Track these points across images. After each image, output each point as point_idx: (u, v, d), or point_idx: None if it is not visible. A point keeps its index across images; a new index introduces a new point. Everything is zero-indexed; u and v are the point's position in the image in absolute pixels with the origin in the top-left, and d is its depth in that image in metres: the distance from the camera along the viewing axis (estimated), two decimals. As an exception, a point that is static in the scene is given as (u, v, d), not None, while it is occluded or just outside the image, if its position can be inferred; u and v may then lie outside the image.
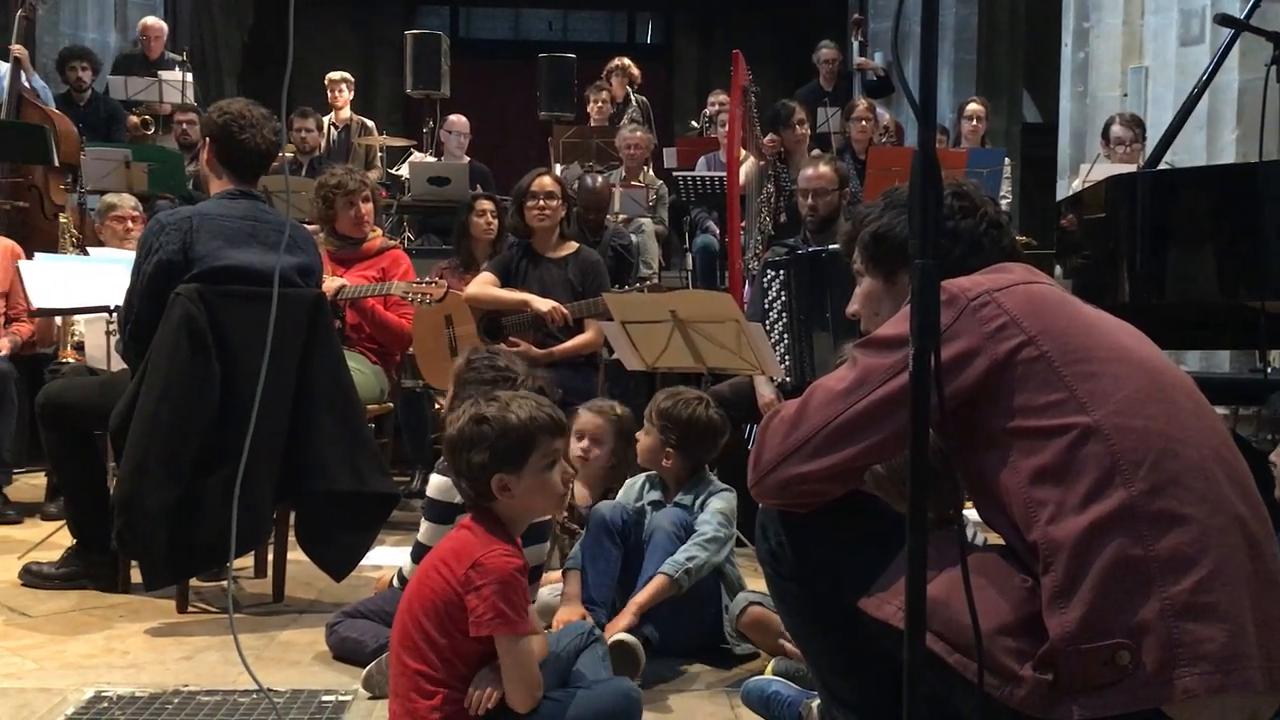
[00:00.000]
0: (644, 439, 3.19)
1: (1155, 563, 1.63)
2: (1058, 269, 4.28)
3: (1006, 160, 7.01)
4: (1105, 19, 7.01)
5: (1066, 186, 6.98)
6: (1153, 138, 5.63)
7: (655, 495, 3.17)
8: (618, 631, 2.71)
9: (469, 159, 7.88)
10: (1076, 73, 7.52)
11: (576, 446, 3.27)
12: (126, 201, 5.22)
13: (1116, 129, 6.07)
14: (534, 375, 3.08)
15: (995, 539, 1.88)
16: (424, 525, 2.89)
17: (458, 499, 2.79)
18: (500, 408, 2.23)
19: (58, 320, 4.84)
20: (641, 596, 2.83)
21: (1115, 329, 1.86)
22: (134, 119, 7.82)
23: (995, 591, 1.70)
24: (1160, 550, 1.63)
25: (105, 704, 2.55)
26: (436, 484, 2.88)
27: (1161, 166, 3.85)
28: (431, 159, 8.00)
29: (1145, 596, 1.62)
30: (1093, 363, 1.75)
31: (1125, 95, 6.87)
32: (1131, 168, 5.44)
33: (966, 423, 1.77)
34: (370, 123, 8.72)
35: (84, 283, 4.16)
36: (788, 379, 4.09)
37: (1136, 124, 6.10)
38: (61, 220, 5.80)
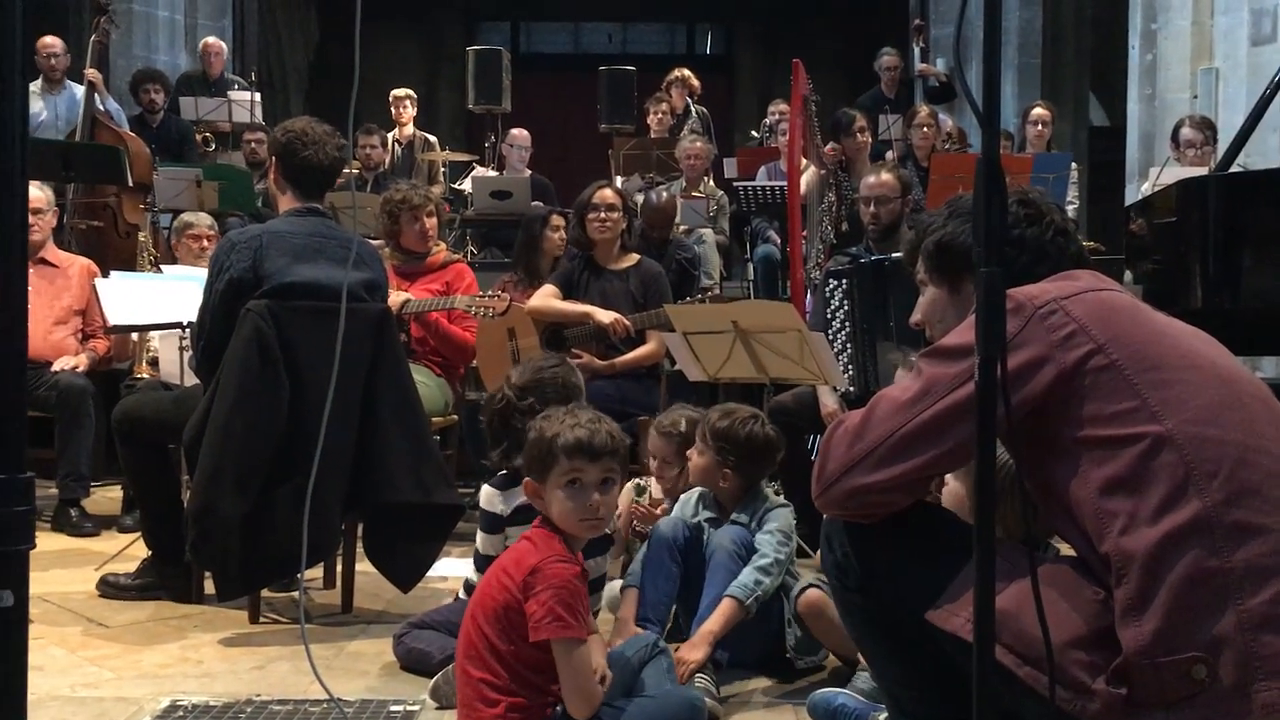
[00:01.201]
0: (698, 459, 3.09)
1: (1232, 574, 1.59)
2: (1127, 274, 4.20)
3: (1073, 165, 6.90)
4: (1174, 20, 6.88)
5: (1135, 191, 6.86)
6: (1224, 140, 5.53)
7: (710, 514, 3.07)
8: (694, 667, 2.66)
9: (530, 172, 7.95)
10: (1144, 75, 7.39)
11: (652, 466, 3.29)
12: (203, 221, 5.31)
13: (1186, 132, 5.94)
14: (543, 379, 3.00)
15: (1066, 550, 1.85)
16: (478, 535, 2.95)
17: (502, 509, 2.85)
18: (545, 417, 2.33)
19: (133, 337, 4.94)
20: (713, 625, 2.76)
21: (1187, 335, 1.83)
22: (196, 137, 7.99)
23: (1066, 604, 1.68)
24: (1237, 562, 1.60)
25: (180, 713, 2.60)
26: (485, 495, 2.94)
27: (1234, 169, 3.77)
28: (493, 173, 8.08)
29: (1222, 609, 1.58)
30: (1164, 370, 1.72)
31: (1195, 97, 6.73)
32: (1202, 171, 5.34)
33: (1034, 432, 1.75)
34: (433, 138, 8.83)
35: (158, 300, 4.23)
36: (851, 389, 4.06)
37: (1207, 126, 5.97)
38: (141, 238, 5.92)
